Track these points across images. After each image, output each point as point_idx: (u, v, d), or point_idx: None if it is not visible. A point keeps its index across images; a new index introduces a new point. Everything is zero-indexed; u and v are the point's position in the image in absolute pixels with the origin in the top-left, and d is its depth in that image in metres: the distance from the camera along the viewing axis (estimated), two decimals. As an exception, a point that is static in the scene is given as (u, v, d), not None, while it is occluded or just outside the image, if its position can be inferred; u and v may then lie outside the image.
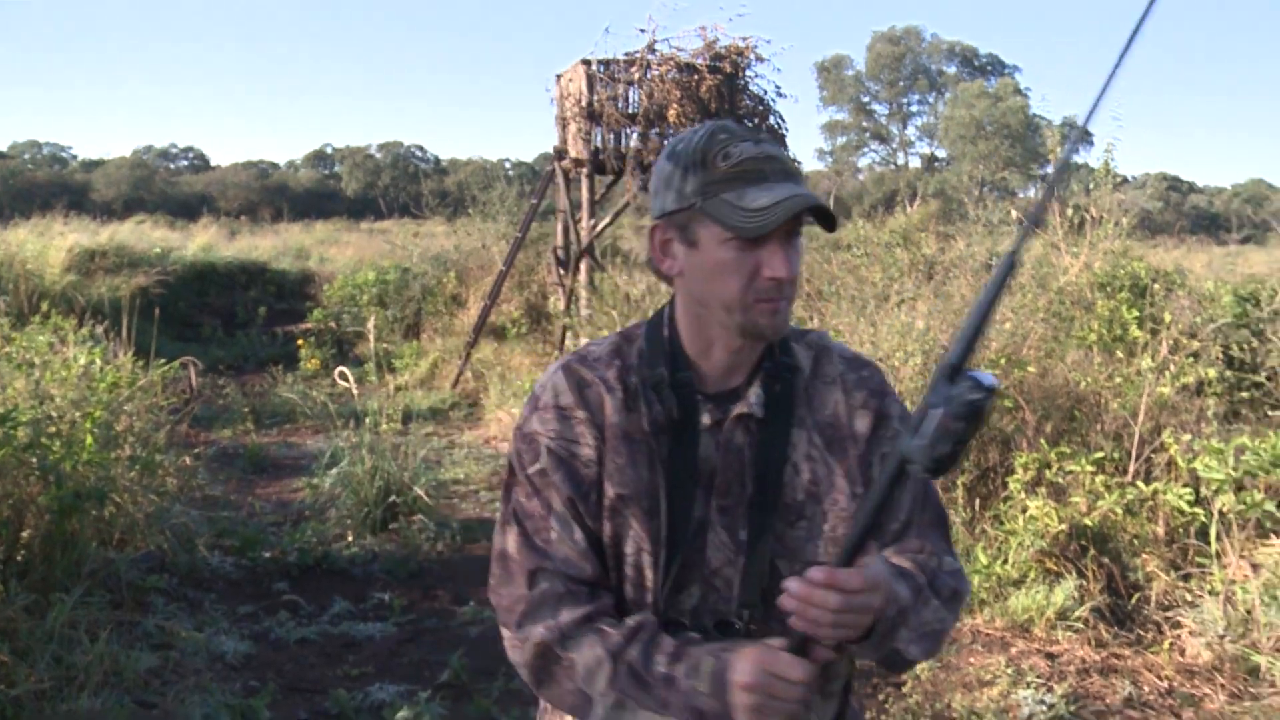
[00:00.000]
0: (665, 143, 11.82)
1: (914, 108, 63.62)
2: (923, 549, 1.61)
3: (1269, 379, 6.58)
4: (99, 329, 7.47)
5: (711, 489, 1.56)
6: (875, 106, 63.13)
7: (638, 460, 1.55)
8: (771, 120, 12.72)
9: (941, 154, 57.91)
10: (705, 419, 1.57)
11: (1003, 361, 5.76)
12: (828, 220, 1.53)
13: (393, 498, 6.66)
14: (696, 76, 11.87)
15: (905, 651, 1.49)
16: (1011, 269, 1.22)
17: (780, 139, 12.87)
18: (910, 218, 15.18)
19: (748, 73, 12.48)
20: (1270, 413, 6.49)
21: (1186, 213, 49.35)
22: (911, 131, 63.86)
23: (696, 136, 1.51)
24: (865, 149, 64.02)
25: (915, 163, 61.72)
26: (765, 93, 12.69)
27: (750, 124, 12.54)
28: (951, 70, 62.61)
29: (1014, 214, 9.09)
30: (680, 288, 1.58)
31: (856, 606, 1.34)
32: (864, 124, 62.97)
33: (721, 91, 11.98)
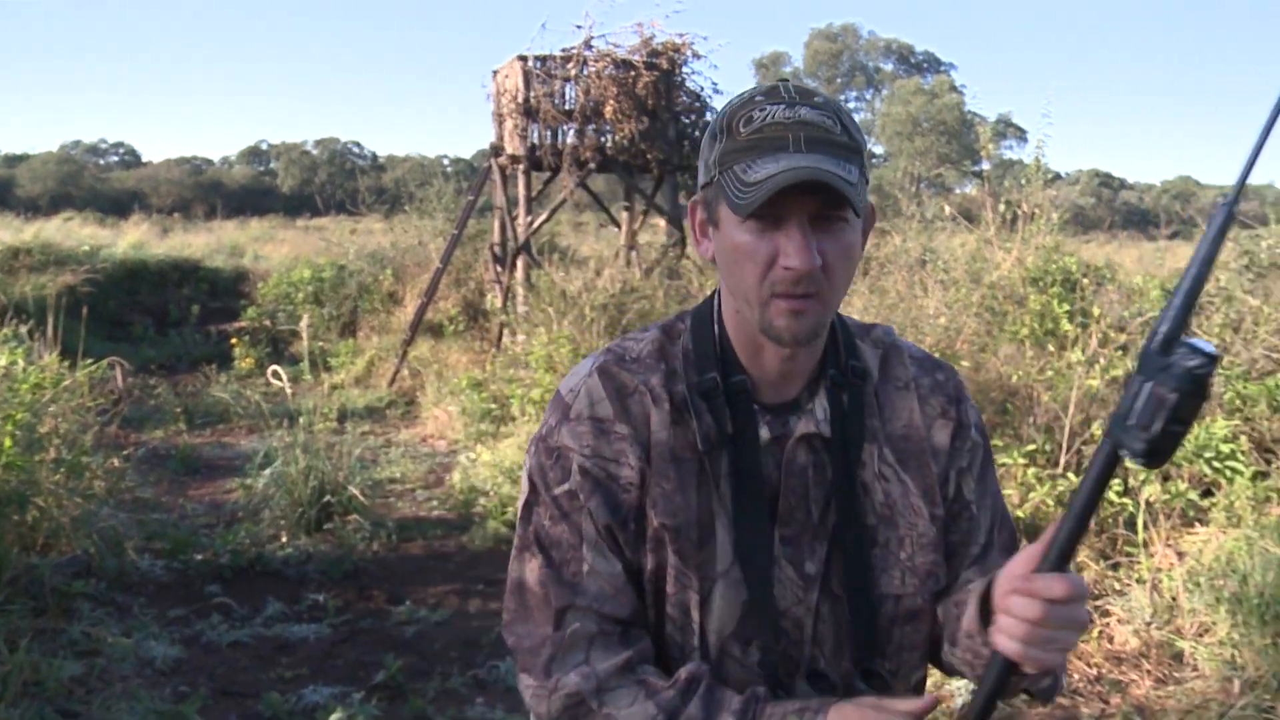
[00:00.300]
0: (602, 139, 11.97)
1: (851, 104, 64.14)
2: None
3: (1194, 371, 6.68)
4: (22, 329, 7.29)
5: (771, 515, 1.37)
6: (814, 103, 63.43)
7: (686, 484, 1.35)
8: (708, 116, 12.76)
9: (879, 150, 58.46)
10: (764, 433, 1.37)
11: (936, 355, 5.81)
12: (839, 199, 1.24)
13: (327, 497, 6.58)
14: (633, 73, 11.86)
15: (1061, 677, 1.35)
16: (1230, 221, 1.05)
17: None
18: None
19: (684, 69, 12.51)
20: (1196, 404, 6.59)
21: (1118, 209, 50.34)
22: (850, 128, 64.26)
23: (737, 97, 1.32)
24: (806, 146, 64.31)
25: (853, 159, 62.10)
26: (702, 89, 12.74)
27: (687, 121, 12.59)
28: (888, 67, 63.34)
29: (947, 210, 9.17)
30: (720, 275, 1.38)
31: (1074, 621, 1.13)
32: (805, 121, 63.28)
33: (658, 88, 11.99)
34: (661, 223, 13.11)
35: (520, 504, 1.41)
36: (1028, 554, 1.16)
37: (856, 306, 6.66)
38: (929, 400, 1.45)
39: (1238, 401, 6.05)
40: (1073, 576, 1.12)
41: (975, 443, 1.47)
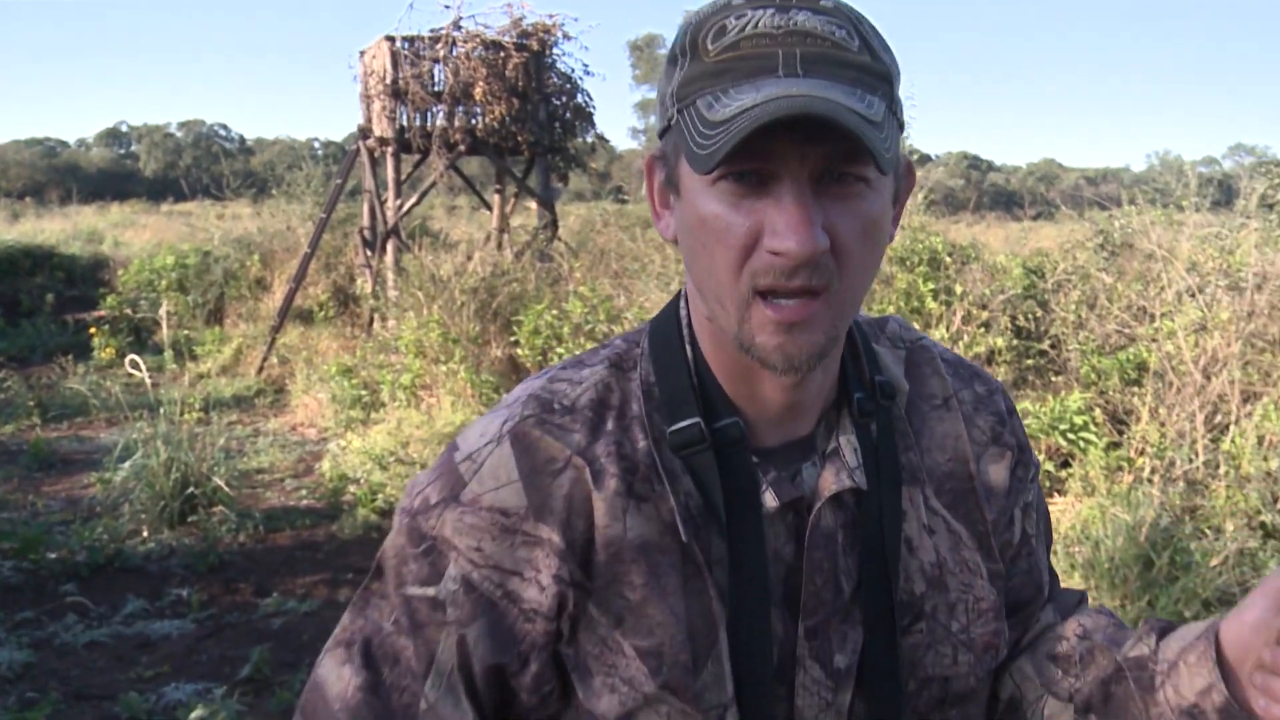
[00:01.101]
0: (472, 121, 11.86)
1: (725, 88, 64.89)
2: (1081, 599, 1.18)
3: (1052, 347, 6.96)
4: None
5: (790, 603, 0.98)
6: (687, 85, 64.13)
7: (667, 587, 0.94)
8: (579, 99, 12.75)
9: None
10: (769, 499, 0.96)
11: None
12: (854, 146, 0.82)
13: (191, 489, 6.42)
14: (503, 54, 11.78)
15: None
16: None
17: (589, 118, 12.91)
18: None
19: (555, 50, 12.49)
20: (1053, 378, 6.86)
21: (986, 190, 51.83)
22: (723, 110, 65.21)
23: (707, 5, 0.89)
24: (678, 127, 64.97)
25: (727, 141, 63.00)
26: (573, 71, 12.75)
27: (559, 103, 12.56)
28: (762, 49, 64.06)
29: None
30: (685, 266, 0.97)
31: None
32: (677, 103, 63.91)
33: (529, 69, 11.94)
34: (533, 205, 13.06)
35: (361, 589, 1.02)
36: (1269, 598, 0.88)
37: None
38: (974, 422, 1.09)
39: (1092, 375, 6.31)
40: None
41: (1036, 468, 1.16)
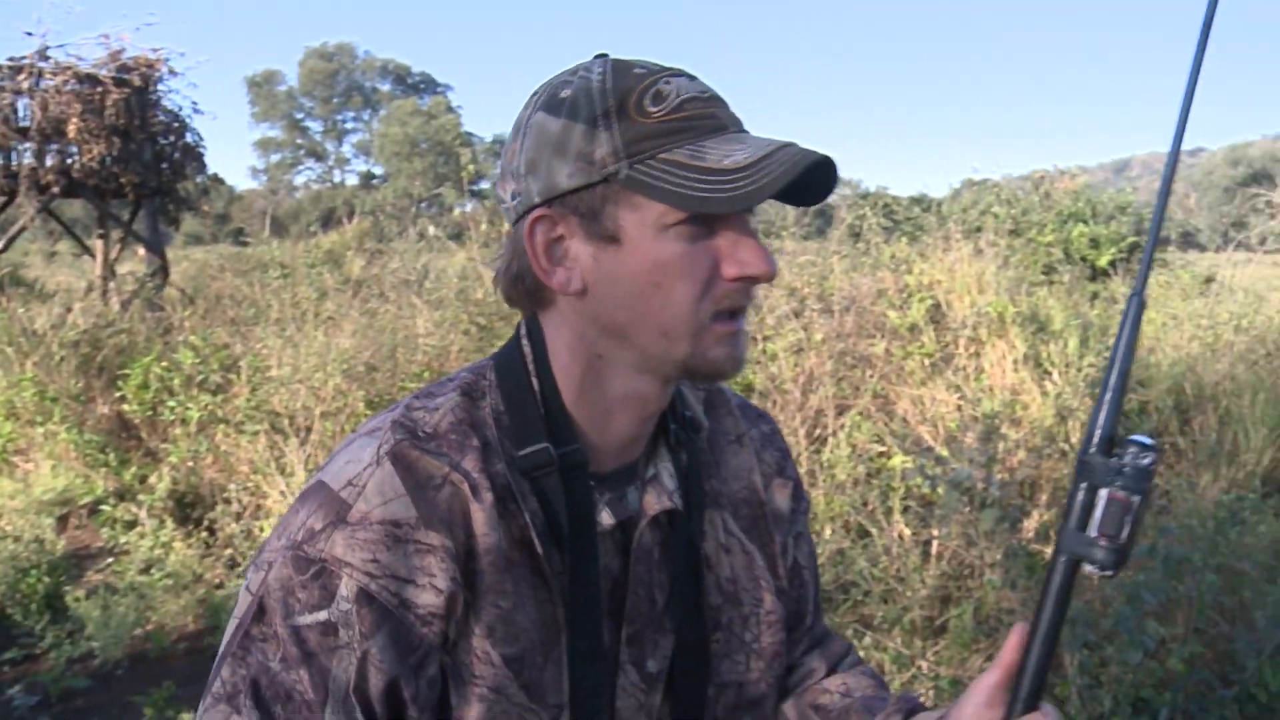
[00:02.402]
0: (68, 161, 10.98)
1: (349, 125, 63.86)
2: (847, 651, 1.33)
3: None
4: None
5: (615, 613, 1.09)
6: (310, 123, 62.65)
7: (524, 597, 1.02)
8: (189, 138, 12.15)
9: (379, 171, 58.49)
10: (606, 518, 1.07)
11: (425, 374, 5.91)
12: (822, 187, 1.02)
13: None
14: (100, 89, 11.01)
15: None
16: (1141, 309, 1.01)
17: (199, 159, 12.32)
18: (343, 235, 15.15)
19: (160, 86, 11.82)
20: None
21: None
22: (347, 149, 64.09)
23: (596, 74, 0.98)
24: (301, 166, 63.24)
25: (353, 180, 61.94)
26: (181, 108, 12.12)
27: (166, 142, 11.90)
28: (386, 88, 63.59)
29: (431, 231, 9.38)
30: (573, 314, 1.04)
31: None
32: (299, 141, 62.23)
33: (131, 106, 11.22)
34: (141, 251, 12.26)
35: (230, 633, 0.99)
36: (986, 690, 1.03)
37: (347, 331, 6.61)
38: (763, 456, 1.24)
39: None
40: (1052, 711, 1.00)
41: (807, 502, 1.30)
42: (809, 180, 0.96)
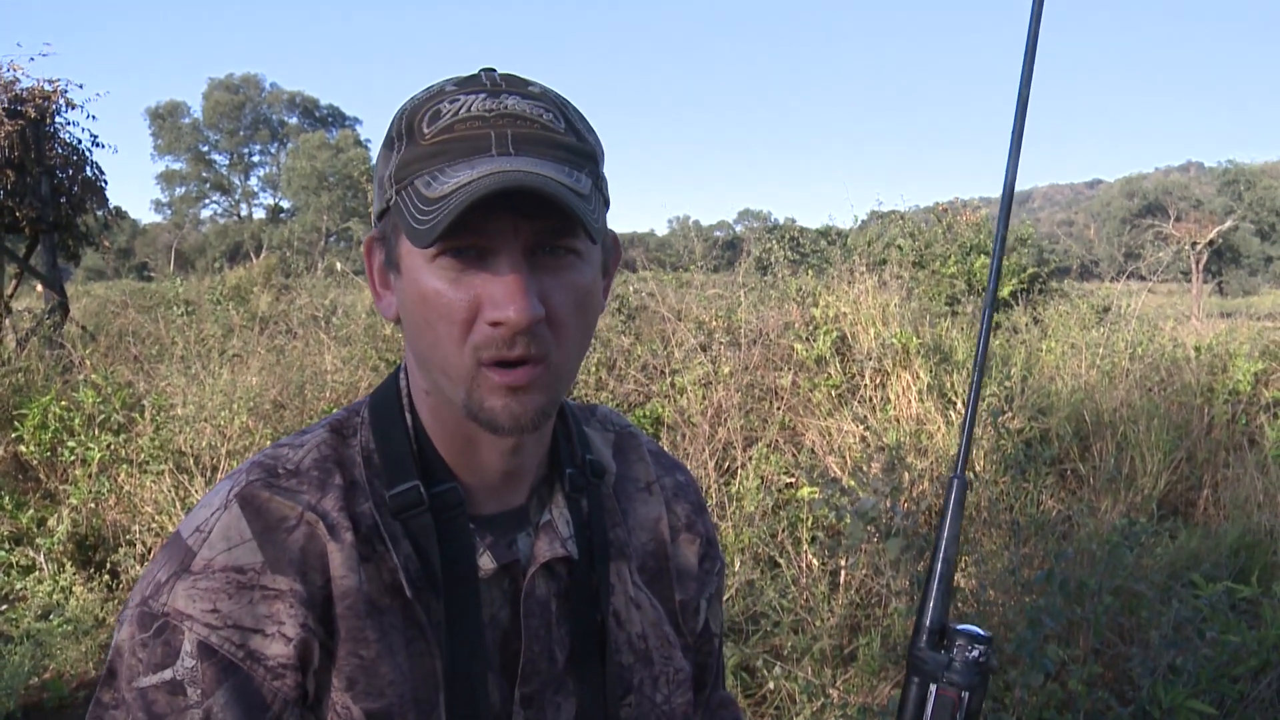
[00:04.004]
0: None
1: (256, 158, 63.11)
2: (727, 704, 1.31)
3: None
4: None
5: (507, 669, 1.01)
6: (215, 156, 61.75)
7: (394, 645, 0.94)
8: (88, 171, 11.88)
9: (286, 205, 57.78)
10: (487, 562, 0.99)
11: (333, 410, 5.85)
12: (564, 219, 0.89)
13: None
14: (-7, 121, 10.72)
15: None
16: (964, 492, 1.02)
17: (100, 193, 12.05)
18: (249, 271, 14.92)
19: (57, 119, 11.54)
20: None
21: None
22: (254, 182, 63.29)
23: (423, 91, 0.94)
24: (207, 200, 62.24)
25: (260, 214, 61.12)
26: (80, 141, 11.84)
27: (64, 176, 11.63)
28: (293, 121, 62.94)
29: (338, 266, 9.28)
30: (406, 342, 0.99)
31: None
32: (204, 174, 61.24)
33: (26, 138, 10.93)
34: (39, 287, 11.94)
35: (93, 701, 0.93)
36: None
37: (254, 368, 6.52)
38: (672, 508, 1.17)
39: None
40: None
41: (722, 564, 1.23)
42: (530, 197, 0.85)
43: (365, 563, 0.94)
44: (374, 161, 1.01)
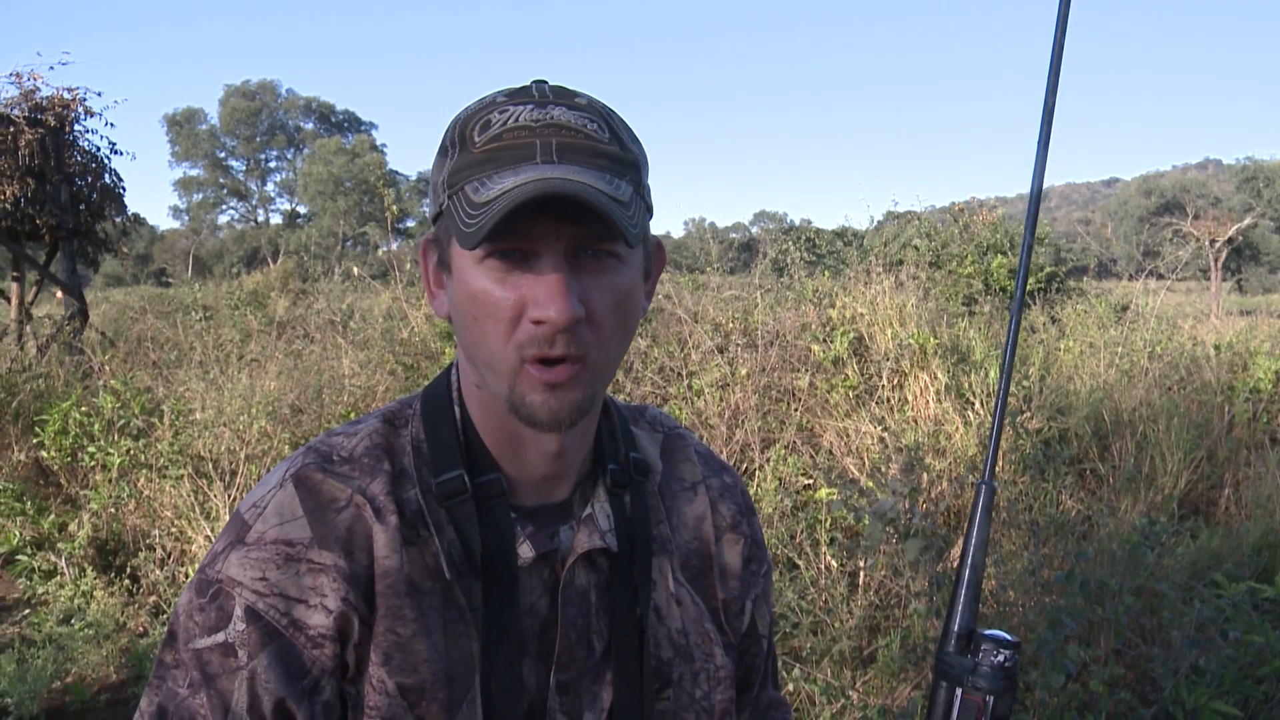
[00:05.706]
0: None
1: (273, 164, 63.30)
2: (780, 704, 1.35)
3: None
4: None
5: (544, 656, 1.04)
6: (232, 162, 61.96)
7: (431, 625, 0.98)
8: (107, 178, 11.96)
9: (303, 210, 57.99)
10: (526, 550, 1.03)
11: (350, 415, 5.86)
12: (604, 224, 0.93)
13: None
14: (13, 129, 10.79)
15: None
16: (992, 496, 1.05)
17: (118, 200, 12.12)
18: (267, 276, 14.98)
19: (77, 127, 11.62)
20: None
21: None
22: (271, 188, 63.48)
23: (475, 101, 0.99)
24: (224, 206, 62.48)
25: (277, 219, 61.33)
26: (99, 149, 11.92)
27: (83, 183, 11.69)
28: (309, 126, 63.10)
29: (355, 271, 9.31)
30: (457, 339, 1.04)
31: None
32: (221, 180, 61.46)
33: (46, 146, 11.01)
34: (59, 293, 12.01)
35: (156, 661, 1.00)
36: None
37: (271, 372, 6.54)
38: (718, 508, 1.20)
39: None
40: None
41: (769, 566, 1.26)
42: (570, 201, 0.89)
43: (408, 546, 0.99)
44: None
